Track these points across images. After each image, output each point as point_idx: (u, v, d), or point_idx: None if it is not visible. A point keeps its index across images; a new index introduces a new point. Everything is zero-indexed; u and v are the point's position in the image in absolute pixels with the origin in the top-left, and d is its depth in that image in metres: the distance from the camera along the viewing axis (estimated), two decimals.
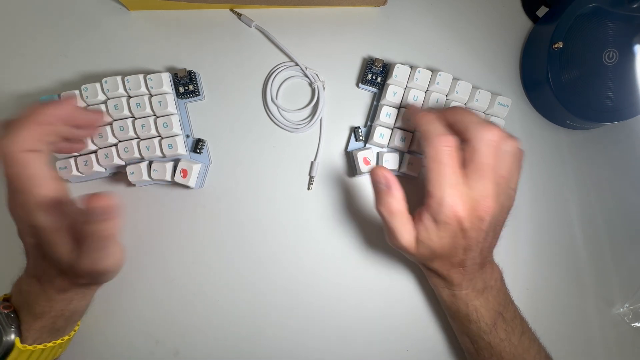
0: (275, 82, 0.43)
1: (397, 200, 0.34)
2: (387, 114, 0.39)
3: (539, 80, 0.41)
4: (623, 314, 0.42)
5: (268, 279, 0.42)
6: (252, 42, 0.43)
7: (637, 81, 0.37)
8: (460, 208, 0.31)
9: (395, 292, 0.42)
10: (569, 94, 0.39)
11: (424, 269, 0.38)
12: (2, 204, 0.32)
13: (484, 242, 0.34)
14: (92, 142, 0.40)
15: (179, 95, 0.41)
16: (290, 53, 0.42)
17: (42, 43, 0.43)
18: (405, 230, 0.34)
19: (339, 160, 0.43)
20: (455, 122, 0.33)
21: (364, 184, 0.43)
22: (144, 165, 0.40)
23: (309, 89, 0.43)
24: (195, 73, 0.41)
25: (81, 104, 0.40)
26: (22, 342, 0.33)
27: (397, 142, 0.39)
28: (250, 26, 0.43)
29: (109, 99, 0.39)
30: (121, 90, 0.39)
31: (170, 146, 0.39)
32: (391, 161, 0.40)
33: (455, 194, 0.31)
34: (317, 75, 0.42)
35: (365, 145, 0.41)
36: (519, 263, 0.42)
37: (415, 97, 0.39)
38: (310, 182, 0.42)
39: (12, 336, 0.33)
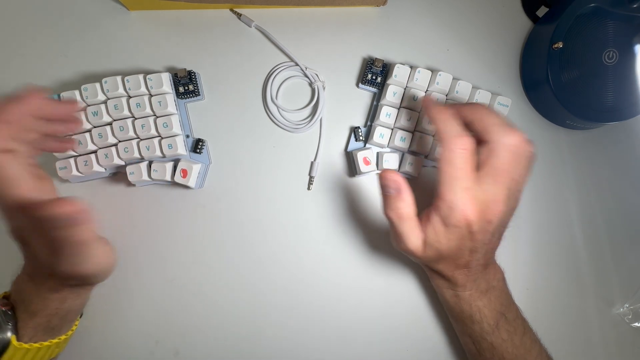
0: (275, 82, 0.43)
1: (407, 204, 0.33)
2: (387, 114, 0.39)
3: (539, 80, 0.41)
4: (623, 314, 0.42)
5: (268, 279, 0.42)
6: (252, 42, 0.43)
7: (637, 81, 0.37)
8: (471, 212, 0.31)
9: (395, 292, 0.42)
10: (569, 94, 0.39)
11: (428, 270, 0.38)
12: None
13: (489, 244, 0.34)
14: (92, 142, 0.40)
15: (179, 95, 0.41)
16: (290, 53, 0.42)
17: (42, 43, 0.43)
18: (413, 235, 0.33)
19: (339, 160, 0.43)
20: (475, 121, 0.32)
21: (363, 184, 0.43)
22: (144, 165, 0.40)
23: (309, 89, 0.43)
24: (195, 73, 0.41)
25: (81, 104, 0.40)
26: (18, 339, 0.33)
27: (397, 142, 0.39)
28: (250, 26, 0.43)
29: (109, 99, 0.39)
30: (121, 90, 0.39)
31: (170, 146, 0.39)
32: (391, 161, 0.40)
33: (467, 198, 0.31)
34: (317, 75, 0.42)
35: (365, 145, 0.41)
36: (519, 263, 0.42)
37: (415, 97, 0.39)
38: (310, 182, 0.42)
39: (9, 334, 0.33)
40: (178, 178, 0.39)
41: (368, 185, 0.43)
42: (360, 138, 0.41)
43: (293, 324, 0.42)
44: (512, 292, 0.38)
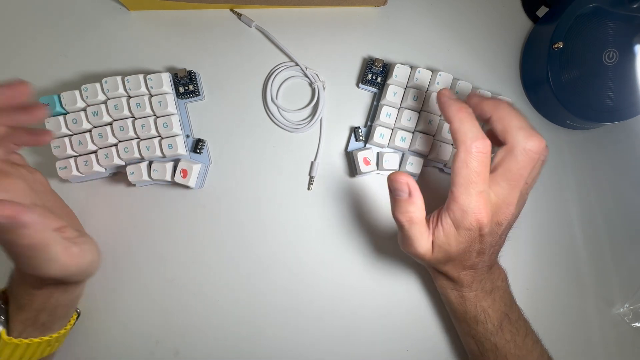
0: (275, 82, 0.43)
1: (418, 208, 0.32)
2: (387, 114, 0.39)
3: (539, 80, 0.41)
4: (623, 314, 0.42)
5: (268, 279, 0.42)
6: (252, 42, 0.43)
7: (637, 81, 0.37)
8: (484, 216, 0.30)
9: (395, 292, 0.42)
10: (569, 94, 0.39)
11: (433, 271, 0.37)
12: None
13: (496, 246, 0.34)
14: (92, 142, 0.40)
15: (179, 95, 0.41)
16: (290, 53, 0.42)
17: (42, 43, 0.43)
18: (423, 239, 0.33)
19: (339, 161, 0.43)
20: (496, 119, 0.31)
21: (364, 184, 0.43)
22: (144, 166, 0.40)
23: (309, 89, 0.43)
24: (195, 73, 0.41)
25: (81, 104, 0.40)
26: (8, 334, 0.33)
27: (397, 142, 0.39)
28: (250, 26, 0.43)
29: (109, 99, 0.39)
30: (121, 90, 0.39)
31: (170, 146, 0.39)
32: (391, 161, 0.40)
33: (481, 202, 0.30)
34: (317, 75, 0.42)
35: (365, 146, 0.41)
36: (519, 263, 0.42)
37: (415, 97, 0.39)
38: (310, 182, 0.42)
39: (0, 327, 0.33)
40: (178, 178, 0.39)
41: (368, 185, 0.43)
42: (361, 138, 0.41)
43: (293, 323, 0.42)
44: (512, 293, 0.38)
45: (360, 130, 0.42)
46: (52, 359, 0.39)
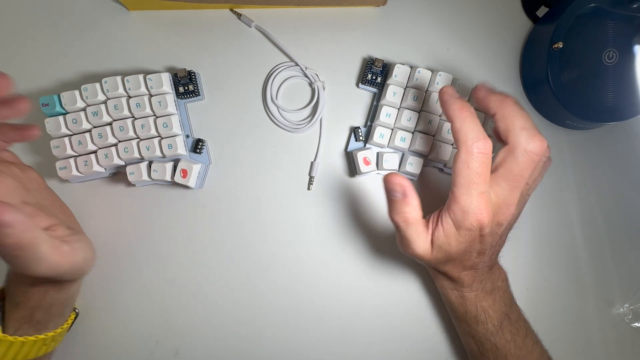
0: (275, 82, 0.43)
1: (413, 208, 0.32)
2: (387, 114, 0.39)
3: (539, 80, 0.41)
4: (623, 314, 0.42)
5: (268, 279, 0.42)
6: (252, 42, 0.43)
7: (637, 81, 0.37)
8: (485, 216, 0.30)
9: (395, 292, 0.42)
10: (569, 94, 0.39)
11: (433, 271, 0.37)
12: None
13: (496, 246, 0.34)
14: (92, 142, 0.40)
15: (178, 95, 0.41)
16: (290, 53, 0.42)
17: (42, 43, 0.43)
18: (420, 239, 0.33)
19: (339, 161, 0.43)
20: (500, 117, 0.31)
21: (364, 184, 0.43)
22: (143, 166, 0.40)
23: (309, 89, 0.43)
24: (195, 73, 0.41)
25: (81, 104, 0.40)
26: (4, 331, 0.33)
27: (397, 142, 0.39)
28: (250, 26, 0.43)
29: (109, 99, 0.39)
30: (121, 90, 0.39)
31: (170, 146, 0.39)
32: (391, 161, 0.39)
33: (482, 203, 0.30)
34: (317, 75, 0.42)
35: (365, 146, 0.41)
36: (519, 263, 0.42)
37: (415, 97, 0.39)
38: (310, 182, 0.42)
39: None
40: (178, 178, 0.39)
41: (368, 185, 0.43)
42: (360, 138, 0.41)
43: (293, 323, 0.42)
44: (512, 293, 0.38)
45: (360, 130, 0.42)
46: (50, 359, 0.39)
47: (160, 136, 0.40)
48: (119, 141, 0.40)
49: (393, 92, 0.39)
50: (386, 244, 0.42)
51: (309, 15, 0.43)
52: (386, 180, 0.32)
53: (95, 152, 0.40)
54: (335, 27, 0.43)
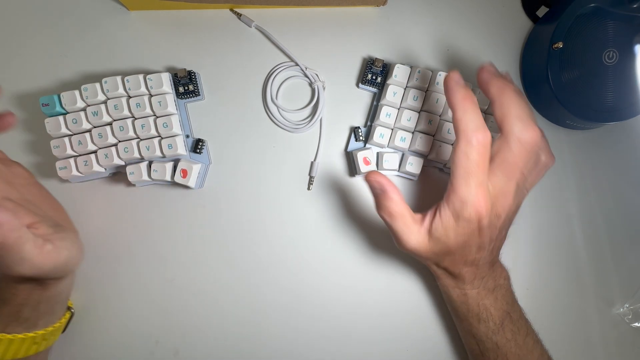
0: (275, 82, 0.43)
1: (394, 202, 0.32)
2: (387, 114, 0.39)
3: (539, 80, 0.41)
4: (623, 314, 0.42)
5: (268, 279, 0.42)
6: (252, 42, 0.43)
7: (637, 81, 0.37)
8: (483, 207, 0.31)
9: (396, 292, 0.42)
10: (569, 94, 0.39)
11: (434, 268, 0.37)
12: None
13: (496, 241, 0.34)
14: (92, 142, 0.40)
15: (178, 95, 0.41)
16: (290, 53, 0.42)
17: (42, 43, 0.43)
18: (410, 232, 0.33)
19: (339, 161, 0.43)
20: (497, 105, 0.31)
21: (364, 184, 0.43)
22: (143, 165, 0.40)
23: (309, 89, 0.43)
24: (195, 73, 0.41)
25: (81, 104, 0.40)
26: None
27: (397, 142, 0.39)
28: (250, 26, 0.43)
29: (108, 99, 0.39)
30: (121, 90, 0.39)
31: (170, 146, 0.39)
32: (391, 161, 0.39)
33: (481, 193, 0.30)
34: (317, 75, 0.42)
35: (365, 146, 0.41)
36: (519, 263, 0.42)
37: (415, 97, 0.39)
38: (310, 182, 0.42)
39: None
40: (178, 178, 0.39)
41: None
42: (360, 138, 0.41)
43: (293, 323, 0.42)
44: (514, 292, 0.38)
45: (360, 130, 0.42)
46: (46, 358, 0.39)
47: (160, 136, 0.40)
48: (119, 141, 0.40)
49: (393, 92, 0.39)
50: (386, 244, 0.42)
51: (309, 15, 0.43)
52: (365, 179, 0.33)
53: (95, 152, 0.40)
54: (335, 27, 0.43)
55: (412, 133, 0.40)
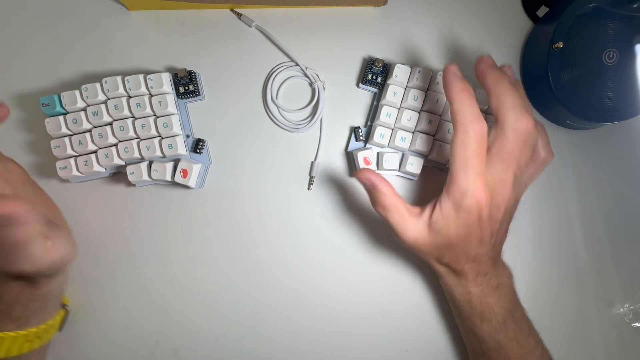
0: (275, 82, 0.43)
1: (386, 195, 0.33)
2: (387, 114, 0.39)
3: (539, 80, 0.41)
4: (623, 314, 0.42)
5: (268, 279, 0.42)
6: (252, 42, 0.43)
7: (637, 81, 0.37)
8: (483, 197, 0.31)
9: (396, 292, 0.42)
10: (569, 94, 0.39)
11: (437, 266, 0.36)
12: None
13: (497, 235, 0.34)
14: (92, 142, 0.40)
15: (179, 95, 0.41)
16: (290, 53, 0.42)
17: (42, 43, 0.43)
18: (407, 224, 0.33)
19: (339, 161, 0.43)
20: (493, 96, 0.32)
21: None
22: (144, 165, 0.39)
23: (309, 89, 0.43)
24: (195, 73, 0.41)
25: (81, 104, 0.40)
26: None
27: (397, 142, 0.39)
28: (250, 26, 0.43)
29: (109, 99, 0.39)
30: (121, 90, 0.39)
31: (170, 146, 0.39)
32: (391, 161, 0.40)
33: (480, 183, 0.31)
34: (317, 75, 0.42)
35: (365, 145, 0.41)
36: (519, 263, 0.42)
37: (415, 97, 0.39)
38: (311, 182, 0.42)
39: None
40: (178, 178, 0.39)
41: None
42: (361, 138, 0.41)
43: (293, 323, 0.42)
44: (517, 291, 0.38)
45: (360, 130, 0.42)
46: (43, 358, 0.38)
47: (160, 136, 0.40)
48: (119, 141, 0.40)
49: (393, 92, 0.39)
50: (386, 244, 0.42)
51: (309, 15, 0.43)
52: (355, 177, 0.34)
53: (95, 152, 0.40)
54: (335, 27, 0.43)
55: (412, 133, 0.40)
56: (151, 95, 0.40)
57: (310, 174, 0.42)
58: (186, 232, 0.42)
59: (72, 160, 0.40)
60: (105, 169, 0.41)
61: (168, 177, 0.39)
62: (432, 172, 0.42)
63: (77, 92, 0.39)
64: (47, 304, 0.36)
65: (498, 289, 0.36)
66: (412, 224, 0.33)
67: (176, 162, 0.40)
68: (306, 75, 0.42)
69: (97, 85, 0.39)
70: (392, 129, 0.40)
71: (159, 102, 0.39)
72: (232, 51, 0.43)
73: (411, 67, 0.40)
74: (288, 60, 0.43)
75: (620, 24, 0.37)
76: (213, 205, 0.42)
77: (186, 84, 0.41)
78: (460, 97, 0.31)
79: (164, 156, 0.40)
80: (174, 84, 0.41)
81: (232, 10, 0.43)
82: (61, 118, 0.39)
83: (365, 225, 0.42)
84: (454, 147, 0.31)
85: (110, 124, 0.40)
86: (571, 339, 0.42)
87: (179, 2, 0.41)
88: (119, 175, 0.42)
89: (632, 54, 0.37)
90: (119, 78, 0.39)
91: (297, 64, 0.42)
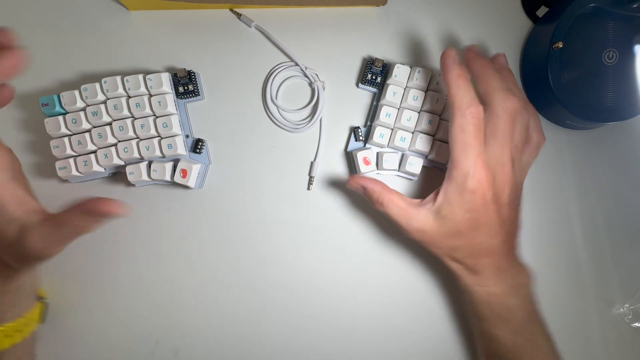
0: (275, 82, 0.43)
1: (380, 193, 0.34)
2: (387, 114, 0.39)
3: (539, 80, 0.41)
4: (623, 314, 0.42)
5: (268, 279, 0.42)
6: (252, 42, 0.43)
7: (637, 81, 0.37)
8: (485, 177, 0.31)
9: (396, 292, 0.42)
10: (569, 94, 0.39)
11: (453, 265, 0.35)
12: None
13: (508, 224, 0.33)
14: (92, 142, 0.40)
15: (178, 95, 0.41)
16: (290, 53, 0.42)
17: (41, 43, 0.43)
18: (408, 214, 0.33)
19: (338, 161, 0.43)
20: (480, 82, 0.34)
21: None
22: (143, 166, 0.39)
23: (308, 89, 0.43)
24: (194, 73, 0.41)
25: (80, 104, 0.40)
26: None
27: (397, 142, 0.39)
28: (250, 26, 0.43)
29: (108, 99, 0.39)
30: (121, 90, 0.39)
31: (169, 146, 0.39)
32: (391, 161, 0.39)
33: (481, 164, 0.31)
34: (317, 75, 0.42)
35: (365, 145, 0.41)
36: None
37: (415, 97, 0.39)
38: (310, 182, 0.42)
39: None
40: (178, 178, 0.39)
41: None
42: (360, 138, 0.41)
43: (293, 323, 0.42)
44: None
45: (360, 130, 0.41)
46: (32, 354, 0.38)
47: (160, 136, 0.40)
48: (119, 141, 0.40)
49: (393, 92, 0.39)
50: (386, 244, 0.42)
51: (309, 15, 0.43)
52: (348, 187, 0.36)
53: (95, 152, 0.40)
54: (335, 27, 0.43)
55: (412, 133, 0.40)
56: (151, 95, 0.40)
57: (309, 174, 0.42)
58: (186, 232, 0.42)
59: (71, 160, 0.40)
60: (105, 169, 0.41)
61: (167, 177, 0.39)
62: (432, 172, 0.42)
63: (76, 92, 0.39)
64: (20, 298, 0.36)
65: (518, 288, 0.35)
66: (415, 214, 0.33)
67: (176, 162, 0.40)
68: (306, 75, 0.42)
69: (97, 85, 0.39)
70: (392, 129, 0.40)
71: (159, 102, 0.39)
72: (232, 51, 0.43)
73: (411, 67, 0.40)
74: (288, 60, 0.43)
75: (620, 24, 0.37)
76: (212, 205, 0.42)
77: (186, 84, 0.41)
78: (457, 82, 0.32)
79: (164, 156, 0.40)
80: (174, 84, 0.41)
81: (231, 10, 0.43)
82: (61, 118, 0.39)
83: (365, 225, 0.42)
84: (452, 131, 0.32)
85: (109, 124, 0.40)
86: (571, 339, 0.42)
87: (179, 2, 0.41)
88: (118, 175, 0.42)
89: (632, 54, 0.37)
90: (118, 78, 0.39)
91: (296, 64, 0.42)
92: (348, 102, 0.43)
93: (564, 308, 0.43)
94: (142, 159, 0.40)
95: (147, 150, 0.39)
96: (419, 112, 0.40)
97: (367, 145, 0.41)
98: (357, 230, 0.42)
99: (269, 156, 0.43)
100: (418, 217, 0.33)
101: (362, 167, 0.39)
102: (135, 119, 0.40)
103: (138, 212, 0.42)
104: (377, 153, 0.41)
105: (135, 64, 0.43)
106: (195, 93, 0.41)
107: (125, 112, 0.39)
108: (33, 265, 0.34)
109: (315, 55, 0.43)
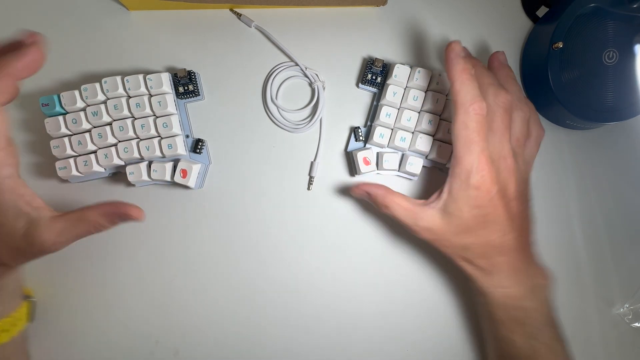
0: (275, 82, 0.43)
1: (383, 196, 0.34)
2: (387, 114, 0.39)
3: (539, 80, 0.41)
4: (623, 314, 0.42)
5: (268, 279, 0.42)
6: (252, 42, 0.43)
7: (637, 81, 0.37)
8: (488, 171, 0.31)
9: (396, 292, 0.42)
10: (569, 94, 0.39)
11: (466, 266, 0.35)
12: None
13: (518, 220, 0.33)
14: (92, 142, 0.40)
15: (178, 95, 0.41)
16: (290, 53, 0.42)
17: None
18: (415, 214, 0.33)
19: (338, 161, 0.43)
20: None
21: None
22: (143, 166, 0.39)
23: (308, 89, 0.43)
24: (195, 73, 0.41)
25: (80, 104, 0.40)
26: None
27: (397, 142, 0.39)
28: (250, 26, 0.43)
29: (108, 99, 0.39)
30: (121, 90, 0.39)
31: (170, 146, 0.39)
32: (391, 161, 0.39)
33: (484, 160, 0.31)
34: (317, 75, 0.42)
35: (365, 145, 0.41)
36: None
37: (415, 97, 0.39)
38: (310, 182, 0.42)
39: None
40: (178, 178, 0.39)
41: None
42: (360, 138, 0.41)
43: (293, 323, 0.42)
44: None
45: (360, 130, 0.41)
46: (23, 351, 0.38)
47: (160, 136, 0.40)
48: (119, 141, 0.40)
49: (393, 92, 0.39)
50: (386, 244, 0.42)
51: (309, 15, 0.43)
52: (353, 195, 0.37)
53: (95, 152, 0.40)
54: (335, 27, 0.43)
55: (412, 133, 0.40)
56: (151, 96, 0.39)
57: (309, 174, 0.42)
58: (186, 232, 0.42)
59: (71, 160, 0.40)
60: (105, 169, 0.41)
61: (167, 177, 0.39)
62: (432, 172, 0.42)
63: (76, 92, 0.39)
64: (4, 298, 0.36)
65: (535, 290, 0.34)
66: (421, 213, 0.33)
67: (176, 162, 0.40)
68: (306, 75, 0.42)
69: (97, 85, 0.39)
70: (392, 129, 0.40)
71: (159, 102, 0.39)
72: (232, 51, 0.43)
73: (411, 67, 0.40)
74: (288, 60, 0.43)
75: (620, 24, 0.37)
76: (212, 206, 0.42)
77: (186, 84, 0.41)
78: (460, 78, 0.32)
79: (164, 156, 0.40)
80: (174, 84, 0.41)
81: (231, 10, 0.43)
82: (61, 118, 0.39)
83: (365, 225, 0.42)
84: (455, 127, 0.32)
85: (109, 124, 0.40)
86: (571, 339, 0.42)
87: (179, 2, 0.41)
88: (118, 175, 0.42)
89: (632, 54, 0.37)
90: (118, 78, 0.39)
91: (296, 64, 0.42)
92: (348, 102, 0.43)
93: (564, 308, 0.42)
94: (142, 159, 0.40)
95: (147, 150, 0.39)
96: (419, 112, 0.40)
97: (367, 145, 0.41)
98: (357, 230, 0.42)
99: (269, 156, 0.43)
100: (424, 216, 0.33)
101: (362, 167, 0.39)
102: (136, 119, 0.40)
103: None
104: (377, 153, 0.41)
105: (136, 64, 0.43)
106: (195, 93, 0.41)
107: (126, 112, 0.39)
108: (30, 260, 0.34)
109: (315, 55, 0.43)
